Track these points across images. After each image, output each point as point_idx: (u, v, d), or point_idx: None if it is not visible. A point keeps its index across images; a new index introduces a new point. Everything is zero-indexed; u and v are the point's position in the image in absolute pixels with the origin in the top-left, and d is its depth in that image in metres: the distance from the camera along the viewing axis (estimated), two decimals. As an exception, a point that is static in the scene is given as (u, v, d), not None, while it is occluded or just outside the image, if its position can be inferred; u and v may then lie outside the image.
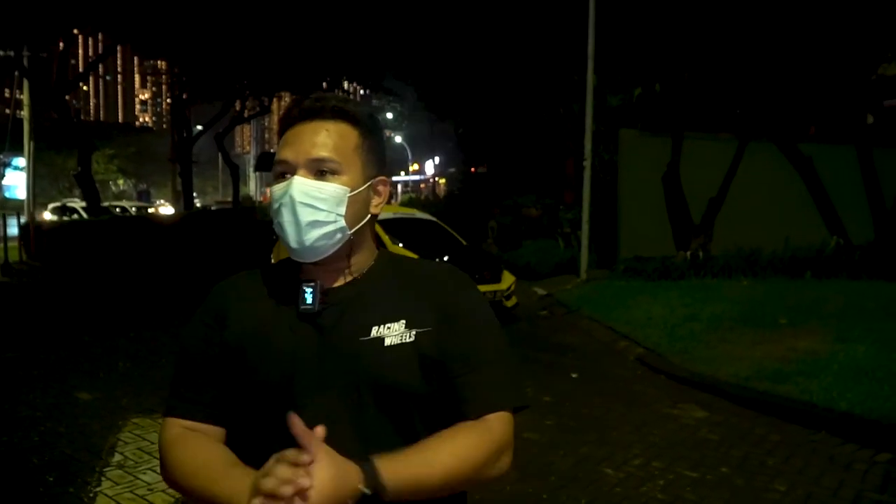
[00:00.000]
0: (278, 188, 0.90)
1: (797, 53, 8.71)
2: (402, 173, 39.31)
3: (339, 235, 0.89)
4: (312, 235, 0.88)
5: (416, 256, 5.12)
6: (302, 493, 0.70)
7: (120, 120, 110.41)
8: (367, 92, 27.31)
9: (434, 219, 7.94)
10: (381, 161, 0.95)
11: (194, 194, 22.61)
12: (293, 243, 0.89)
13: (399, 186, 38.89)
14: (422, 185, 38.39)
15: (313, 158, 0.88)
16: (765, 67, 8.87)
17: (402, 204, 18.86)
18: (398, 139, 36.57)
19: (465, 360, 0.89)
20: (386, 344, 0.87)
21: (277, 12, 13.45)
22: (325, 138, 0.89)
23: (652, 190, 9.25)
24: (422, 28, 13.95)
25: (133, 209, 22.37)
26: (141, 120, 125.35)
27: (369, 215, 0.94)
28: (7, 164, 21.72)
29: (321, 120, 0.90)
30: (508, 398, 0.90)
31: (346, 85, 22.50)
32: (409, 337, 0.88)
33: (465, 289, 0.96)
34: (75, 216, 17.75)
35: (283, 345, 0.88)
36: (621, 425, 3.69)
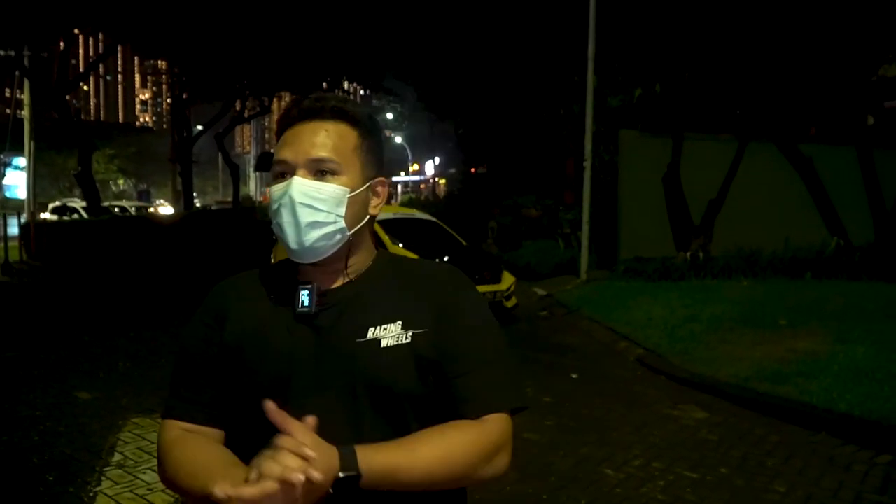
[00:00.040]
0: (277, 188, 0.89)
1: (797, 54, 8.71)
2: (402, 173, 39.32)
3: (338, 236, 0.89)
4: (312, 236, 0.87)
5: (416, 257, 5.12)
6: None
7: (120, 120, 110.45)
8: (368, 92, 27.31)
9: (434, 219, 7.94)
10: (379, 162, 0.95)
11: (194, 194, 22.62)
12: (292, 244, 0.88)
13: (399, 187, 38.90)
14: (422, 186, 38.40)
15: (313, 158, 0.88)
16: (765, 68, 8.87)
17: (402, 204, 18.87)
18: (398, 139, 36.58)
19: (462, 360, 0.89)
20: (382, 345, 0.87)
21: (277, 12, 13.45)
22: (324, 138, 0.89)
23: (652, 190, 9.25)
24: (422, 28, 13.96)
25: (132, 209, 22.37)
26: (141, 120, 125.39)
27: (368, 216, 0.94)
28: (8, 164, 21.72)
29: (320, 120, 0.90)
30: (506, 398, 0.90)
31: (346, 85, 22.50)
32: (406, 338, 0.87)
33: (464, 289, 0.95)
34: (75, 216, 17.76)
35: (281, 346, 0.88)
36: (621, 426, 3.69)
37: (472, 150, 17.68)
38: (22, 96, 18.53)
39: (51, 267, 12.33)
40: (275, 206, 0.89)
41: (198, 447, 0.88)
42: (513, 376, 0.93)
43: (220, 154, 22.73)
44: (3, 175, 22.06)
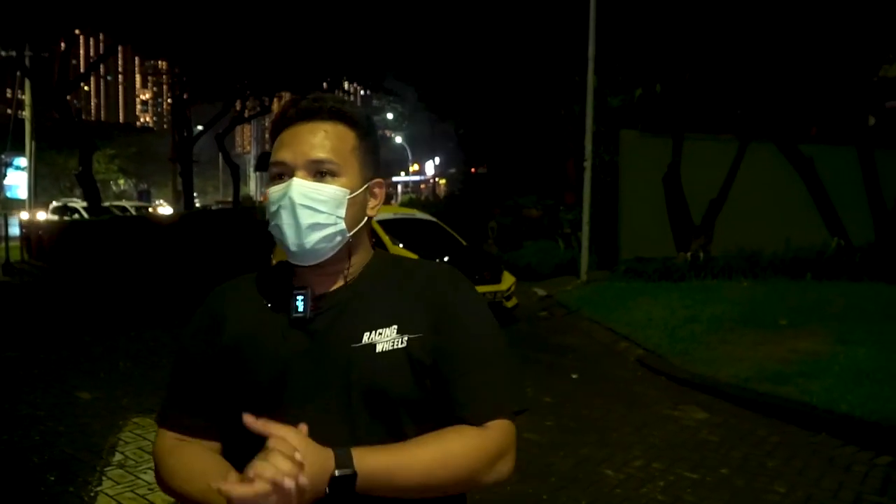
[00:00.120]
0: (276, 190, 0.88)
1: (798, 54, 8.71)
2: (403, 174, 39.30)
3: (338, 238, 0.89)
4: (312, 238, 0.87)
5: (416, 257, 5.12)
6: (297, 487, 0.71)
7: (121, 120, 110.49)
8: (368, 92, 27.32)
9: (434, 219, 7.94)
10: (377, 163, 0.95)
11: (195, 194, 22.62)
12: (292, 246, 0.88)
13: (399, 187, 38.88)
14: (422, 186, 38.38)
15: (312, 160, 0.87)
16: (766, 68, 8.86)
17: (403, 204, 18.86)
18: (398, 139, 36.58)
19: (462, 363, 0.88)
20: (377, 350, 0.86)
21: (278, 12, 13.46)
22: (323, 139, 0.88)
23: (652, 191, 9.25)
24: (423, 29, 13.96)
25: (132, 209, 22.38)
26: (142, 120, 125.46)
27: (366, 217, 0.93)
28: (9, 164, 21.72)
29: (319, 121, 0.89)
30: (508, 403, 0.89)
31: (346, 85, 22.50)
32: (401, 342, 0.86)
33: (463, 290, 0.94)
34: (76, 216, 17.77)
35: (275, 352, 0.88)
36: (621, 426, 3.68)
37: (473, 150, 17.67)
38: (23, 96, 18.55)
39: (52, 267, 12.34)
40: (273, 208, 0.88)
41: (192, 454, 0.89)
42: (514, 379, 0.92)
43: (220, 154, 22.73)
44: (5, 175, 22.07)
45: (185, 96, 19.88)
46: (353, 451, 0.77)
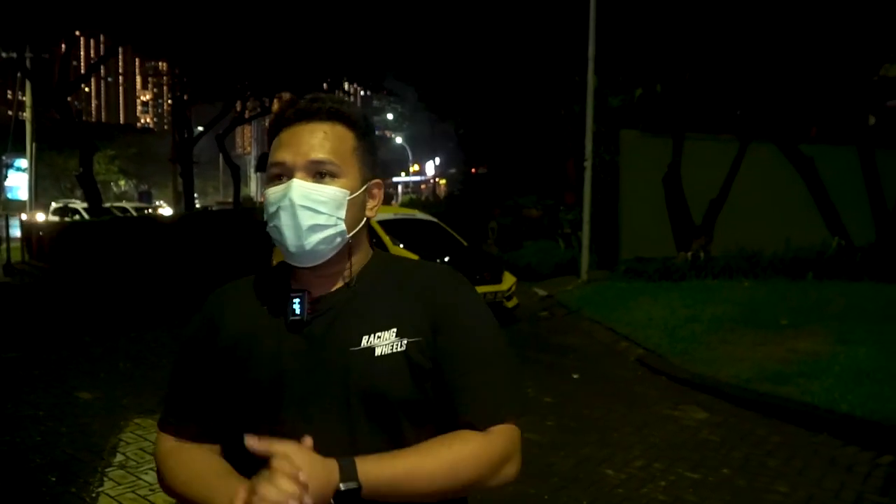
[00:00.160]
0: (276, 191, 0.87)
1: (799, 54, 8.70)
2: (403, 174, 39.30)
3: (338, 240, 0.88)
4: (313, 240, 0.86)
5: (416, 257, 5.11)
6: None
7: (121, 121, 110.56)
8: (368, 92, 27.34)
9: (435, 220, 7.95)
10: (375, 163, 0.94)
11: (195, 195, 22.62)
12: (291, 247, 0.87)
13: (400, 187, 38.88)
14: (422, 186, 38.38)
15: (312, 160, 0.87)
16: (766, 68, 8.86)
17: (403, 205, 18.88)
18: (399, 140, 36.60)
19: (464, 367, 0.87)
20: (376, 354, 0.85)
21: (278, 13, 13.47)
22: (323, 140, 0.88)
23: (653, 191, 9.24)
24: (423, 29, 13.97)
25: (133, 210, 22.39)
26: (142, 121, 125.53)
27: (365, 218, 0.93)
28: (9, 166, 21.75)
29: (318, 121, 0.89)
30: (512, 408, 0.89)
31: (346, 86, 22.51)
32: (401, 346, 0.86)
33: (462, 292, 0.94)
34: (77, 217, 17.79)
35: (273, 354, 0.87)
36: (622, 426, 3.68)
37: (473, 150, 17.68)
38: (24, 98, 18.57)
39: (52, 268, 12.35)
40: (272, 209, 0.87)
41: (192, 458, 0.89)
42: (515, 382, 0.92)
43: (220, 155, 22.75)
44: (6, 176, 22.09)
45: (185, 97, 19.89)
46: (357, 462, 0.77)
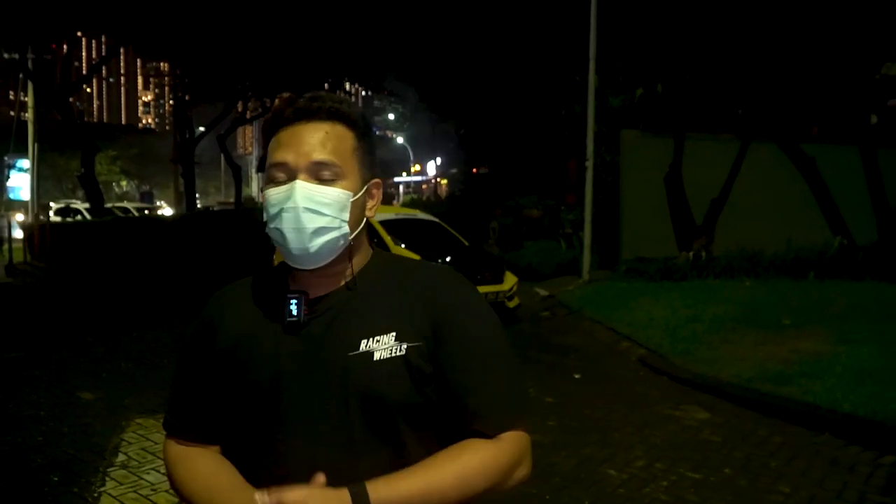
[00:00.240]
0: (277, 192, 0.86)
1: (800, 53, 8.69)
2: (404, 174, 39.31)
3: (342, 242, 0.88)
4: (317, 242, 0.85)
5: (417, 257, 5.10)
6: None
7: (123, 121, 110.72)
8: (369, 93, 27.35)
9: (436, 219, 7.95)
10: (373, 163, 0.94)
11: (196, 195, 22.66)
12: (295, 250, 0.86)
13: (401, 187, 38.89)
14: (423, 186, 38.37)
15: (316, 162, 0.86)
16: (767, 67, 8.85)
17: (404, 205, 18.88)
18: (400, 140, 36.62)
19: (467, 373, 0.86)
20: (375, 358, 0.85)
21: (279, 13, 13.49)
22: (325, 140, 0.86)
23: (654, 191, 9.23)
24: (424, 29, 13.97)
25: (134, 210, 22.43)
26: (144, 121, 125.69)
27: (365, 219, 0.92)
28: (11, 166, 21.81)
29: (318, 121, 0.87)
30: (520, 413, 0.89)
31: (347, 86, 22.53)
32: (400, 350, 0.85)
33: (464, 293, 0.92)
34: (79, 217, 17.82)
35: (271, 356, 0.87)
36: (624, 426, 3.68)
37: (474, 150, 17.68)
38: (26, 99, 18.61)
39: (54, 268, 12.37)
40: (274, 210, 0.86)
41: (198, 465, 0.90)
42: (520, 384, 0.91)
43: (222, 155, 22.78)
44: (8, 177, 22.15)
45: (186, 98, 19.93)
46: (368, 488, 0.77)
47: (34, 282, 11.15)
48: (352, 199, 0.88)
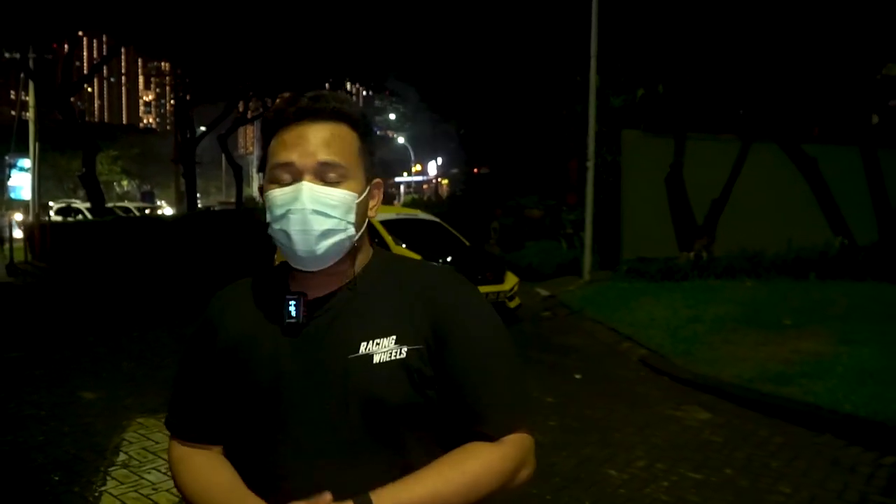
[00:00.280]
0: (283, 194, 0.85)
1: (801, 53, 8.68)
2: (405, 174, 39.31)
3: (347, 243, 0.87)
4: (324, 245, 0.84)
5: (419, 257, 5.09)
6: None
7: (124, 121, 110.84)
8: (370, 93, 27.35)
9: (437, 219, 7.95)
10: (374, 163, 0.93)
11: (198, 195, 22.68)
12: (301, 252, 0.85)
13: (402, 187, 38.88)
14: (424, 186, 38.35)
15: (322, 162, 0.85)
16: (768, 67, 8.84)
17: (405, 205, 18.88)
18: (401, 140, 36.59)
19: (469, 375, 0.86)
20: (375, 361, 0.84)
21: (280, 13, 13.49)
22: (330, 141, 0.86)
23: (655, 191, 9.23)
24: (425, 29, 13.98)
25: (135, 210, 22.45)
26: (145, 121, 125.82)
27: (367, 219, 0.92)
28: (13, 166, 21.83)
29: (322, 121, 0.86)
30: (524, 415, 0.88)
31: (348, 86, 22.55)
32: (400, 353, 0.84)
33: (464, 293, 0.92)
34: (80, 217, 17.84)
35: (270, 356, 0.87)
36: (624, 427, 3.68)
37: (475, 150, 17.68)
38: (27, 98, 18.63)
39: (55, 267, 12.38)
40: (280, 212, 0.85)
41: (200, 469, 0.90)
42: (522, 385, 0.91)
43: (223, 155, 22.81)
44: (9, 177, 22.17)
45: (187, 97, 19.95)
46: (373, 498, 0.77)
47: (35, 281, 11.16)
48: (357, 201, 0.87)
